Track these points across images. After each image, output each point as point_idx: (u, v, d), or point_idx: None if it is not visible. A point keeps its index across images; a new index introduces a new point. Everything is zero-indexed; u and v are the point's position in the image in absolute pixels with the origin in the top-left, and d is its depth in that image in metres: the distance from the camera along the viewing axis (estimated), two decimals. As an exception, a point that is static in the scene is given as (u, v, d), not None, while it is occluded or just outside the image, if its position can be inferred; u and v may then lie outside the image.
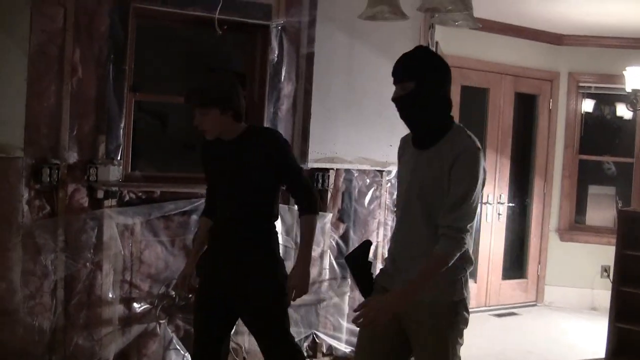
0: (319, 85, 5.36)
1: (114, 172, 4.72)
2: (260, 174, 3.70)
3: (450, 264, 2.99)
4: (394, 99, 3.23)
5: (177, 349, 4.96)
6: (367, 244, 3.37)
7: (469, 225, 3.00)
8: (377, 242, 5.78)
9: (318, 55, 5.37)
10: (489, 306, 7.73)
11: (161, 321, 4.91)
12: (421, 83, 3.16)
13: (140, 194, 4.83)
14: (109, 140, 4.70)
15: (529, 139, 8.17)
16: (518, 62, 7.76)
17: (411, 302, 3.03)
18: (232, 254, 3.76)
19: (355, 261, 3.30)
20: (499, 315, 7.57)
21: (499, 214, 7.75)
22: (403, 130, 5.70)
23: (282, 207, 5.24)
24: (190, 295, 4.85)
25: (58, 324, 4.59)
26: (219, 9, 4.86)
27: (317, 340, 5.56)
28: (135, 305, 4.86)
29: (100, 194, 4.65)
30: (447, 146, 3.05)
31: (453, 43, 6.98)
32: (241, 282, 3.71)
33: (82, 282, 4.66)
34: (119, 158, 4.74)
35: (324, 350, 5.64)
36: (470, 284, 7.49)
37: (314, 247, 5.19)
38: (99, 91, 4.66)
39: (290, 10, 5.26)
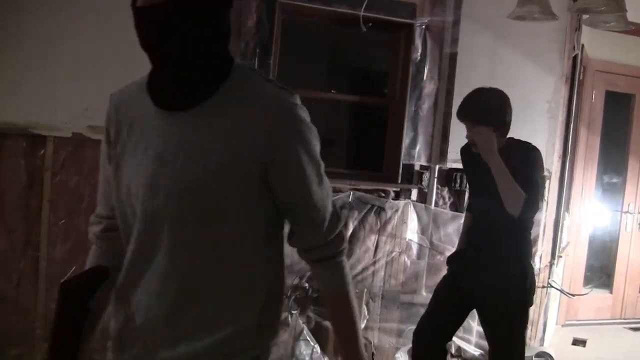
0: (460, 85, 5.14)
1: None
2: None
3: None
4: (138, 8, 1.67)
5: (307, 340, 4.87)
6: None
7: (344, 237, 1.91)
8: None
9: (461, 55, 5.15)
10: (625, 318, 7.30)
11: (293, 312, 4.84)
12: None
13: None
14: (251, 132, 4.64)
15: (676, 149, 7.62)
16: (668, 68, 7.27)
17: None
18: (479, 256, 3.80)
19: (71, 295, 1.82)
20: (635, 329, 7.12)
21: (639, 224, 7.31)
22: (546, 133, 5.52)
23: (419, 205, 5.12)
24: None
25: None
26: (364, 6, 4.74)
27: (446, 341, 5.37)
28: (269, 294, 4.79)
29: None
30: (238, 102, 1.71)
31: (599, 47, 6.63)
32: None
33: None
34: (260, 150, 4.68)
35: (453, 352, 5.44)
36: (606, 294, 7.24)
37: (447, 247, 5.06)
38: (244, 84, 4.61)
39: (434, 9, 5.07)
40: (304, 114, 1.76)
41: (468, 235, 4.04)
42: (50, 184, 4.24)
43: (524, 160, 3.59)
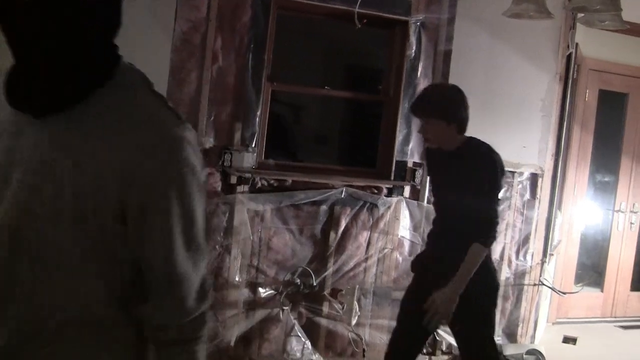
0: (455, 83, 5.02)
1: (248, 159, 4.65)
2: (467, 188, 3.52)
3: None
4: None
5: (298, 336, 4.85)
6: None
7: (206, 320, 1.50)
8: (505, 243, 5.51)
9: (456, 53, 5.13)
10: (615, 317, 7.27)
11: (284, 307, 4.81)
12: None
13: (272, 181, 4.74)
14: (245, 127, 4.63)
15: (668, 148, 7.59)
16: (662, 68, 7.23)
17: None
18: (440, 262, 3.68)
19: None
20: (625, 327, 7.10)
21: (631, 223, 7.25)
22: (539, 131, 5.49)
23: (412, 202, 5.09)
24: (315, 285, 4.79)
25: (185, 303, 4.56)
26: (359, 3, 4.69)
27: (437, 338, 5.34)
28: (261, 290, 4.78)
29: (233, 180, 4.59)
30: (111, 118, 1.35)
31: (593, 45, 6.58)
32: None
33: (210, 263, 4.62)
34: (253, 145, 4.67)
35: (444, 348, 5.43)
36: (597, 293, 7.21)
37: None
38: (238, 79, 4.60)
39: (430, 6, 5.04)
40: (191, 151, 1.35)
41: (430, 236, 3.94)
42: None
43: (483, 167, 3.54)
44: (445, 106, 3.58)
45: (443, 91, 3.77)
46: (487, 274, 3.64)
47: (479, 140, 3.69)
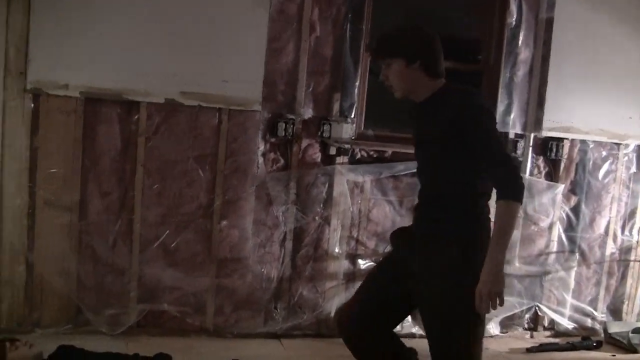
0: (557, 51, 4.87)
1: (347, 130, 4.57)
2: (444, 143, 2.77)
3: None
4: None
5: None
6: None
7: None
8: (610, 217, 5.23)
9: (558, 21, 4.87)
10: None
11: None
12: None
13: (371, 152, 4.66)
14: (343, 98, 4.55)
15: None
16: None
17: None
18: (420, 231, 2.95)
19: None
20: None
21: None
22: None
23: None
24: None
25: (285, 273, 4.56)
26: (458, -30, 4.54)
27: (539, 313, 5.13)
28: (360, 261, 4.71)
29: (332, 151, 4.53)
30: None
31: None
32: (422, 266, 2.83)
33: (310, 235, 4.59)
34: (352, 116, 4.59)
35: (545, 324, 5.20)
36: None
37: (541, 217, 4.76)
38: (336, 50, 4.52)
39: (531, -27, 4.83)
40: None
41: (414, 210, 3.20)
42: (144, 148, 4.22)
43: (474, 122, 2.73)
44: (404, 42, 2.86)
45: (404, 28, 2.96)
46: (465, 258, 2.78)
47: (464, 88, 2.96)
